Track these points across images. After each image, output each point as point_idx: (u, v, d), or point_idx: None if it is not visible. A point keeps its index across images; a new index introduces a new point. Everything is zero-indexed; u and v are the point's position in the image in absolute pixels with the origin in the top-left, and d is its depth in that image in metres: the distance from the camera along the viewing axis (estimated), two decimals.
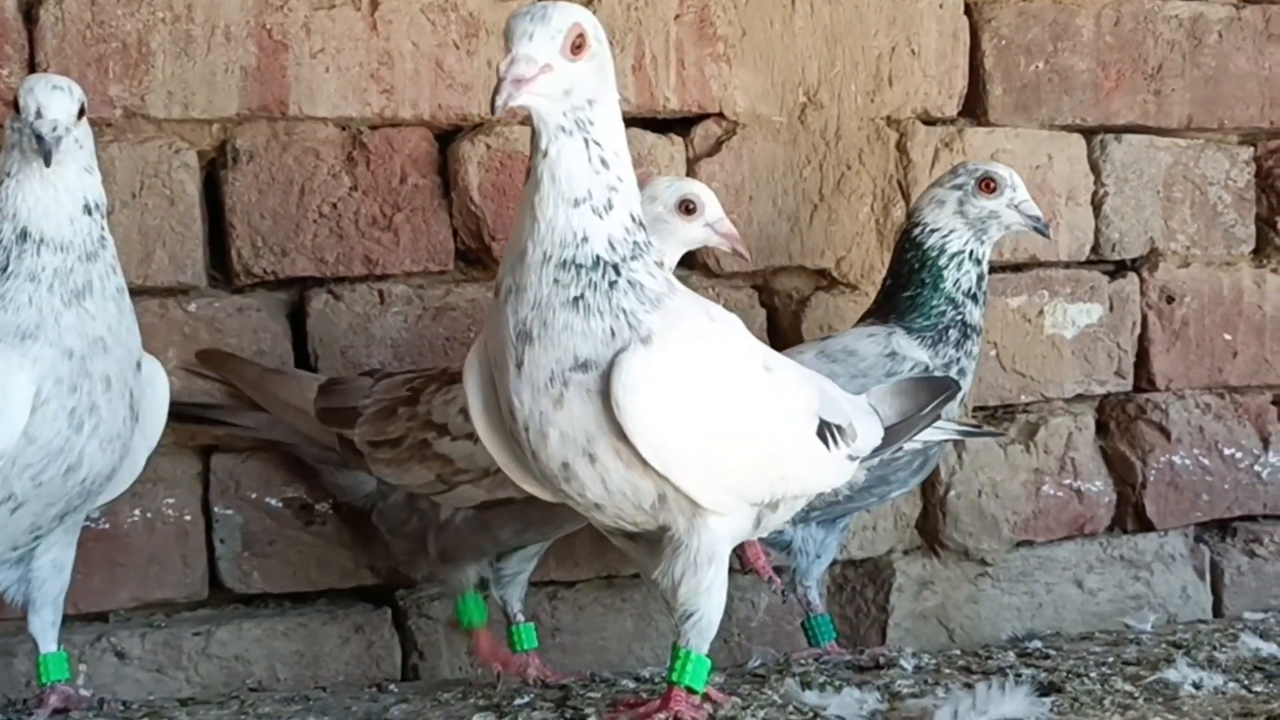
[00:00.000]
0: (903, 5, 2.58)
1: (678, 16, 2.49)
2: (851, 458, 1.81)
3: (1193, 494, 2.75)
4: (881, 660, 2.15)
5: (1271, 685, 1.84)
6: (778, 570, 2.25)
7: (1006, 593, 2.66)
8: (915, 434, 1.93)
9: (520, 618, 2.17)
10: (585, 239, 1.60)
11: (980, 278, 2.25)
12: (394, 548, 2.22)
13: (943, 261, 2.23)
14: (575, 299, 1.59)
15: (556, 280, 1.59)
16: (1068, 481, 2.68)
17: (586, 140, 1.61)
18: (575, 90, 1.59)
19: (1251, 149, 2.86)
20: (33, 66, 2.21)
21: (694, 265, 2.53)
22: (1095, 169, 2.73)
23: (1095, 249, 2.74)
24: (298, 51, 2.31)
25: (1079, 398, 2.73)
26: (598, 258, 1.60)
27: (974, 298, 2.24)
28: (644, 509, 1.66)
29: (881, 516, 2.58)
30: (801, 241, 2.57)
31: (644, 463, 1.60)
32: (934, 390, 1.97)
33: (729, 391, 1.65)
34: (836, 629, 2.30)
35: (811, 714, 1.78)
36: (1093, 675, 1.94)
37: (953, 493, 2.61)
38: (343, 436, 2.10)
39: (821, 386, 1.80)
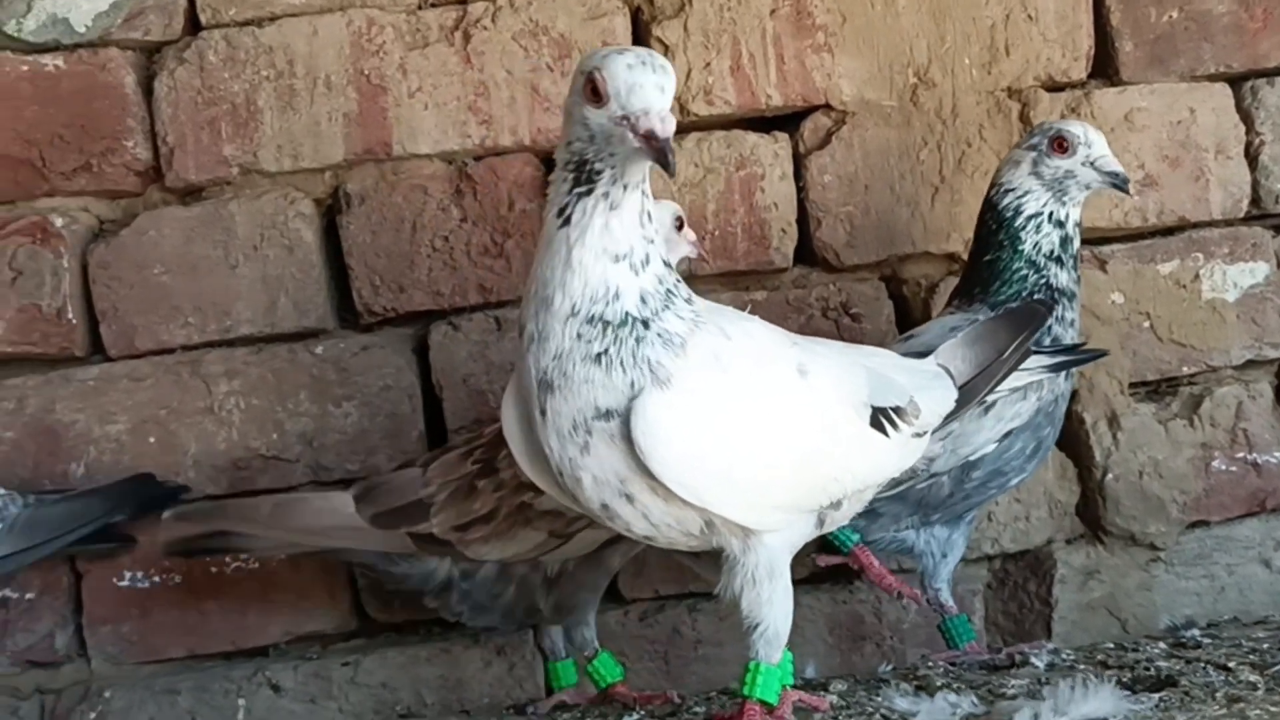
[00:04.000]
0: None
1: (773, 11, 2.44)
2: (919, 434, 1.72)
3: None
4: (1017, 658, 2.04)
5: None
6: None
7: (1182, 578, 2.49)
8: (1000, 381, 1.81)
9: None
10: (617, 295, 1.55)
11: (1065, 240, 2.13)
12: (473, 623, 2.15)
13: (1019, 223, 2.13)
14: (599, 354, 1.55)
15: (580, 335, 1.55)
16: (1241, 454, 2.49)
17: (643, 193, 1.56)
18: None
19: None
20: (153, 135, 2.34)
21: (812, 260, 2.48)
22: (1247, 118, 2.53)
23: (1255, 203, 2.55)
24: (396, 93, 2.37)
25: (1250, 364, 2.53)
26: (627, 314, 1.55)
27: (1058, 260, 2.12)
28: (694, 535, 1.63)
29: (1033, 505, 2.46)
30: (924, 226, 2.48)
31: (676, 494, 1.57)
32: (1015, 326, 1.84)
33: (755, 412, 1.59)
34: (974, 628, 2.21)
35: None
36: (1231, 665, 1.79)
37: (1110, 475, 2.46)
38: (414, 534, 2.03)
39: (872, 368, 1.72)
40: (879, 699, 1.81)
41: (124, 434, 2.33)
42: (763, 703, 1.65)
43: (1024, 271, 2.11)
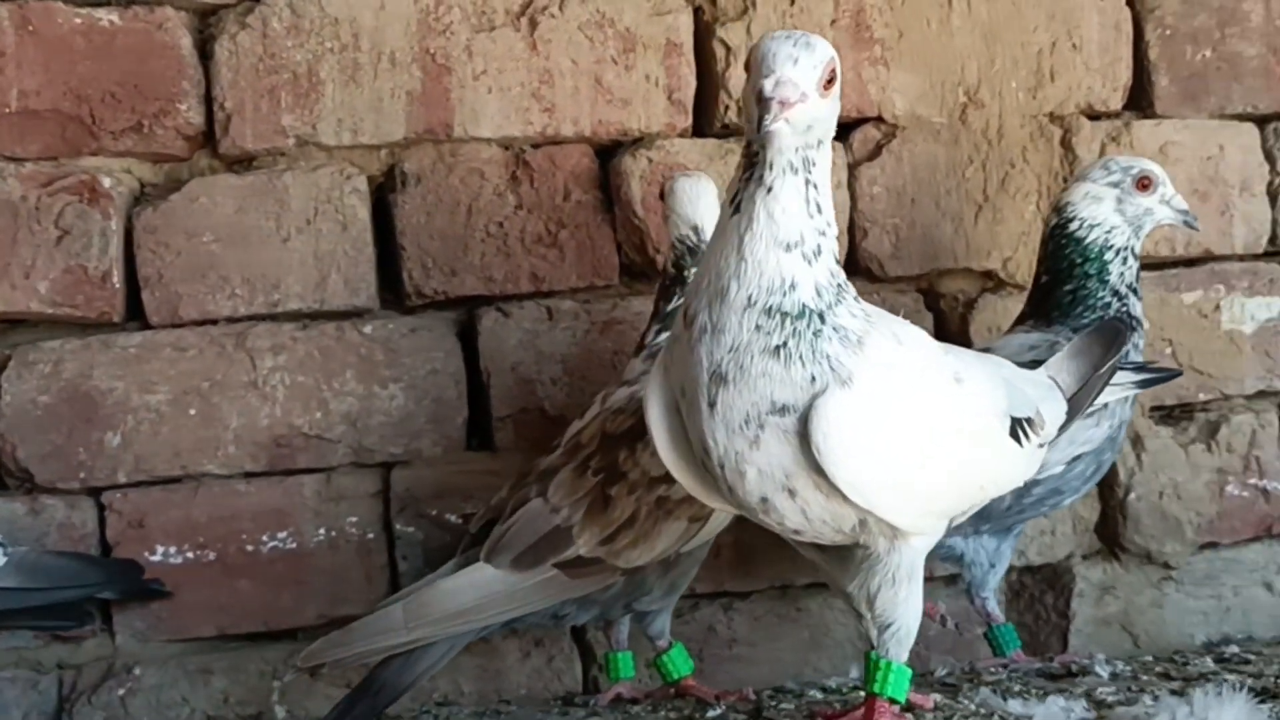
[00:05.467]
0: None
1: (834, 21, 2.47)
2: (1042, 445, 1.77)
3: None
4: (1074, 667, 2.10)
5: None
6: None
7: (1192, 597, 2.58)
8: (1097, 395, 1.87)
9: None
10: (793, 286, 1.54)
11: (1138, 272, 2.24)
12: (576, 621, 2.10)
13: (1108, 256, 2.22)
14: (777, 347, 1.54)
15: (758, 327, 1.53)
16: (1253, 481, 2.59)
17: (807, 181, 1.54)
18: (815, 127, 1.53)
19: None
20: (209, 101, 2.27)
21: (856, 270, 2.50)
22: (1270, 158, 2.63)
23: (1274, 240, 2.65)
24: (461, 74, 2.34)
25: (1260, 394, 2.63)
26: (804, 306, 1.54)
27: (1134, 290, 2.23)
28: (844, 532, 1.64)
29: (1060, 520, 2.52)
30: (967, 243, 2.53)
31: (845, 495, 1.58)
32: (1105, 341, 1.91)
33: (925, 419, 1.61)
34: (1020, 637, 2.26)
35: None
36: None
37: (1133, 495, 2.54)
38: (560, 563, 1.95)
39: (1007, 378, 1.76)
40: (972, 700, 1.84)
41: (164, 404, 2.26)
42: (892, 700, 1.67)
43: (1108, 300, 2.20)
